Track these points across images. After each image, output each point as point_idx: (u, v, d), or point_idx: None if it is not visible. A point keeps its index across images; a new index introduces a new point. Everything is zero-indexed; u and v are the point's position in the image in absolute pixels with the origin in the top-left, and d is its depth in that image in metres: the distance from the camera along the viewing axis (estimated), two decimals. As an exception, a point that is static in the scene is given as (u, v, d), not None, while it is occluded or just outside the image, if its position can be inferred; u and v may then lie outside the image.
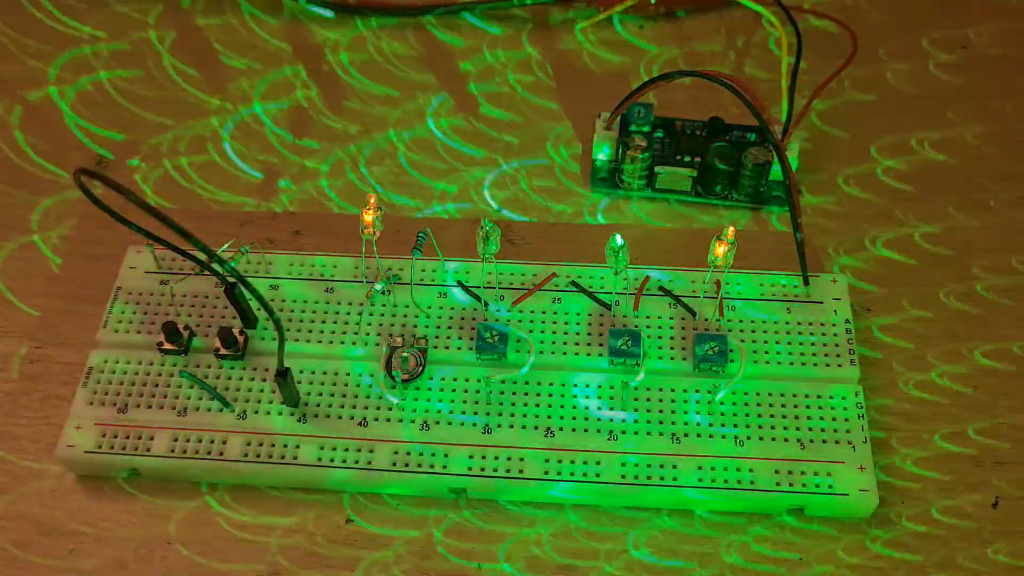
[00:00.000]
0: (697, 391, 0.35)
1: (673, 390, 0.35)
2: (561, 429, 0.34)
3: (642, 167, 0.41)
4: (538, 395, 0.35)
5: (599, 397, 0.35)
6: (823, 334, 0.36)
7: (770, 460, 0.34)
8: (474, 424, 0.35)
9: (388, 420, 0.35)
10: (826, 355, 0.36)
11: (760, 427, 0.34)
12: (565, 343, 0.36)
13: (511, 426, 0.34)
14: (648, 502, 0.34)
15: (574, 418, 0.35)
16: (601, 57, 0.48)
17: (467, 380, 0.36)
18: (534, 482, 0.33)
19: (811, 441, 0.34)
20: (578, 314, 0.37)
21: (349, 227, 0.42)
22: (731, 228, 0.34)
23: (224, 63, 0.48)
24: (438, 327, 0.37)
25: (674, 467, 0.34)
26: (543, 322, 0.37)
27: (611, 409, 0.35)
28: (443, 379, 0.36)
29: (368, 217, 0.35)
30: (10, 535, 0.34)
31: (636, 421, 0.34)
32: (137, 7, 0.50)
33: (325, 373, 0.36)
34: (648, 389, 0.35)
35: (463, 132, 0.45)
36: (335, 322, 0.37)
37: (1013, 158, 0.44)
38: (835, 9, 0.49)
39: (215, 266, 0.30)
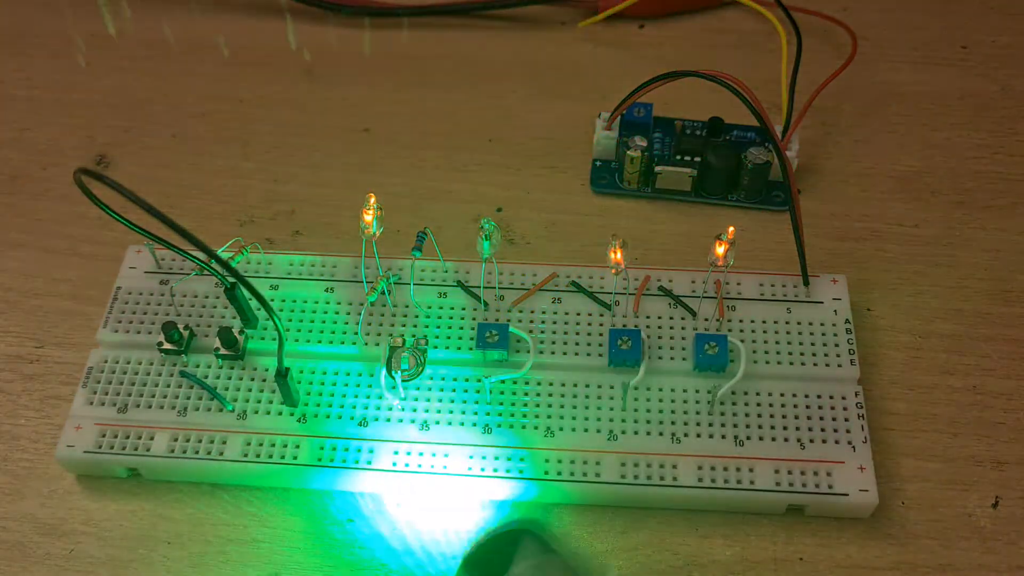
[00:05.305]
0: (697, 391, 0.35)
1: (673, 390, 0.35)
2: (561, 429, 0.34)
3: (642, 167, 0.41)
4: (538, 395, 0.35)
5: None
6: (823, 334, 0.36)
7: (770, 460, 0.34)
8: (474, 424, 0.35)
9: (388, 420, 0.35)
10: (826, 355, 0.36)
11: (760, 427, 0.34)
12: (565, 343, 0.36)
13: (511, 426, 0.34)
14: (648, 502, 0.34)
15: (574, 418, 0.35)
16: (601, 57, 0.48)
17: (467, 380, 0.36)
18: (534, 482, 0.33)
19: (811, 441, 0.34)
20: (578, 314, 0.37)
21: (349, 227, 0.42)
22: (731, 228, 0.34)
23: (224, 63, 0.48)
24: (438, 327, 0.37)
25: (674, 467, 0.34)
26: (543, 322, 0.37)
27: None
28: (443, 379, 0.36)
29: (368, 216, 0.35)
30: (10, 535, 0.34)
31: (624, 420, 0.34)
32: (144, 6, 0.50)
33: (325, 373, 0.36)
34: (648, 389, 0.35)
35: (463, 132, 0.45)
36: (335, 322, 0.37)
37: (1013, 159, 0.44)
38: (835, 9, 0.49)
39: (215, 266, 0.30)
